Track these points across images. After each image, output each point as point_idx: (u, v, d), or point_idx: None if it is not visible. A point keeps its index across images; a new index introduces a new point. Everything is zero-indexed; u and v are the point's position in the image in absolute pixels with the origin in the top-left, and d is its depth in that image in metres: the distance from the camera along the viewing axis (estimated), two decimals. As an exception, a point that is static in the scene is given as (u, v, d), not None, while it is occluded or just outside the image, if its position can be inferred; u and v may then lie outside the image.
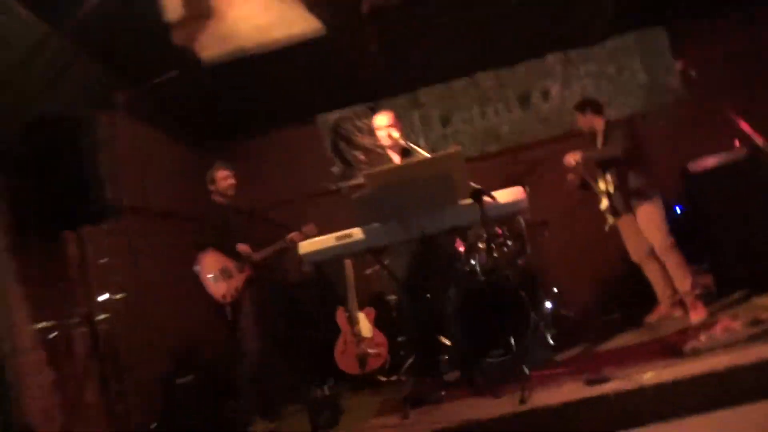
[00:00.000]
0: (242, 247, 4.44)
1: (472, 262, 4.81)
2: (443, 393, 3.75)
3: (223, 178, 4.56)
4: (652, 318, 4.72)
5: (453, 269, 4.29)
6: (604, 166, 4.74)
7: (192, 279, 4.37)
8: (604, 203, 4.78)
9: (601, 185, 4.77)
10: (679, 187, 5.38)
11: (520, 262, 5.11)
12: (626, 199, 4.64)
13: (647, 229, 4.56)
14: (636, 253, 4.77)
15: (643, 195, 4.55)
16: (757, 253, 4.70)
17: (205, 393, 4.51)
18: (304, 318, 5.61)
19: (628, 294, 5.54)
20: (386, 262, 4.23)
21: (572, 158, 4.57)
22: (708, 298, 4.65)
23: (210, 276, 4.28)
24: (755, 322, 3.32)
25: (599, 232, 4.97)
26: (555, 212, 5.72)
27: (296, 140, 6.73)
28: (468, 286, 4.60)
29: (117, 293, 4.41)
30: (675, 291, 4.61)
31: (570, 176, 4.74)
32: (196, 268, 4.30)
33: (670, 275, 4.53)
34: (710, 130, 5.80)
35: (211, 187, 4.56)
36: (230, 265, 4.40)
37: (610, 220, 4.83)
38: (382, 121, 4.28)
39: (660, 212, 4.53)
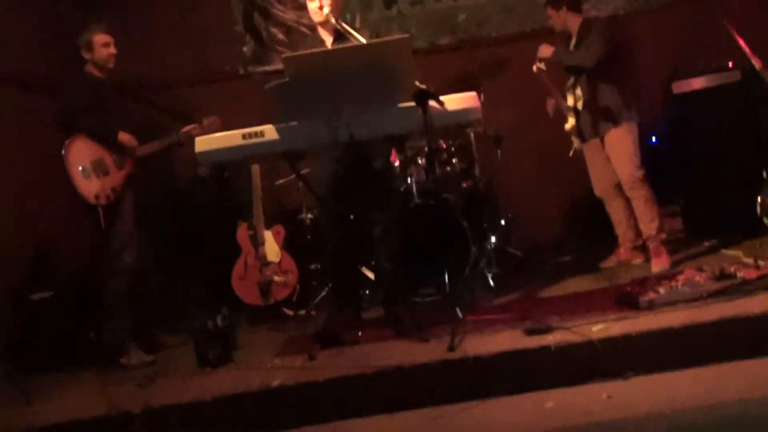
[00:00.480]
0: (124, 137, 4.29)
1: (408, 180, 4.90)
2: (360, 333, 3.87)
3: (103, 44, 4.33)
4: (608, 263, 4.98)
5: (384, 186, 4.32)
6: (574, 76, 4.82)
7: (56, 170, 4.22)
8: (571, 122, 4.90)
9: (569, 100, 4.87)
10: (659, 110, 5.57)
11: (465, 184, 5.24)
12: (594, 120, 4.76)
13: (615, 157, 4.72)
14: (599, 185, 4.96)
15: (615, 117, 4.67)
16: (735, 197, 4.94)
17: (67, 313, 4.50)
18: (196, 232, 5.59)
19: (585, 233, 5.81)
20: (303, 171, 4.22)
21: (546, 51, 4.66)
22: (675, 245, 4.91)
23: (80, 169, 4.14)
24: (722, 275, 3.56)
25: (561, 157, 5.11)
26: (511, 127, 5.82)
27: (199, 4, 6.46)
28: (400, 209, 4.71)
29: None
30: (638, 234, 4.86)
31: (537, 67, 4.79)
32: (64, 155, 4.13)
33: (636, 215, 4.75)
34: (702, 44, 5.98)
35: (86, 56, 4.34)
36: (107, 158, 4.26)
37: (576, 143, 4.97)
38: None
39: (633, 139, 4.68)
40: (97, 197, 4.15)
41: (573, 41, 4.85)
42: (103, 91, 4.37)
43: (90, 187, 4.15)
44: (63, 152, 4.13)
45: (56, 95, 4.52)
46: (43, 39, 5.67)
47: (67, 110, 4.24)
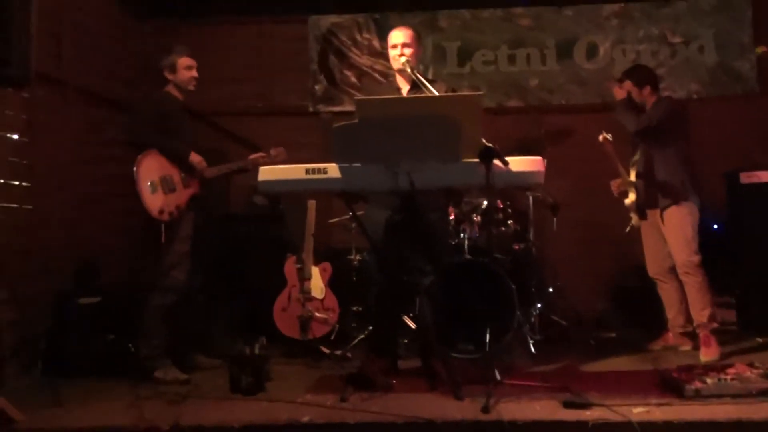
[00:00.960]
0: (195, 158, 4.41)
1: (461, 235, 4.89)
2: (394, 381, 3.84)
3: (186, 67, 4.49)
4: (655, 345, 4.86)
5: (437, 239, 4.32)
6: (639, 149, 4.78)
7: (119, 181, 4.35)
8: (632, 197, 4.85)
9: (632, 175, 4.84)
10: (723, 197, 5.49)
11: (517, 247, 5.21)
12: (652, 192, 4.70)
13: (672, 237, 4.64)
14: (653, 266, 4.87)
15: (675, 194, 4.61)
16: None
17: (111, 322, 4.57)
18: (246, 260, 5.64)
19: (634, 311, 5.69)
20: (359, 213, 4.25)
21: (619, 93, 4.75)
22: (726, 336, 4.78)
23: (149, 184, 4.24)
24: (774, 374, 3.46)
25: (618, 232, 5.05)
26: (571, 196, 5.80)
27: (276, 40, 6.66)
28: (450, 263, 4.70)
29: (14, 179, 4.41)
30: (688, 320, 4.75)
31: (603, 137, 4.77)
32: (135, 169, 4.24)
33: (688, 300, 4.64)
34: (771, 139, 5.93)
35: (169, 76, 4.49)
36: (176, 175, 4.37)
37: (634, 220, 4.91)
38: (398, 38, 4.23)
39: (692, 222, 4.60)
40: (161, 212, 4.24)
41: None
42: (180, 111, 4.52)
43: (156, 202, 4.24)
44: (135, 166, 4.23)
45: (125, 113, 4.68)
46: (119, 59, 5.93)
47: (141, 127, 4.37)
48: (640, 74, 4.89)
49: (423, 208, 4.00)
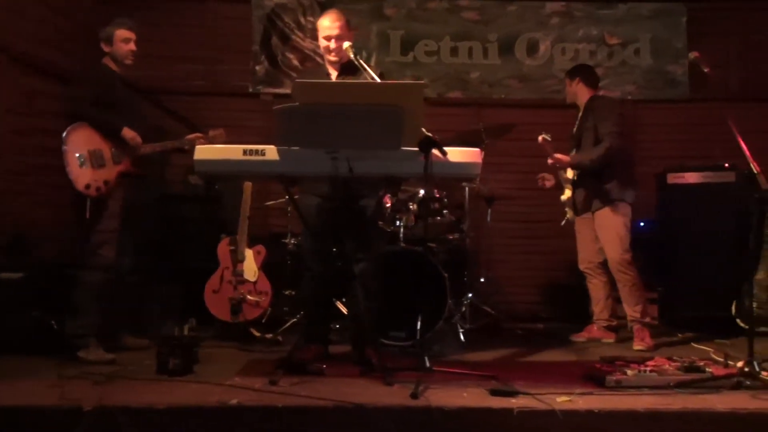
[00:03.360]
0: (128, 133, 4.28)
1: (398, 223, 4.92)
2: (324, 366, 3.84)
3: (124, 40, 4.37)
4: (579, 337, 5.00)
5: (372, 225, 4.34)
6: (576, 149, 4.91)
7: (51, 154, 4.22)
8: (567, 194, 4.96)
9: (569, 172, 4.94)
10: (653, 197, 5.66)
11: (451, 236, 5.26)
12: (587, 196, 4.82)
13: (604, 236, 4.76)
14: (584, 261, 5.00)
15: (607, 196, 4.73)
16: (713, 294, 5.04)
17: (34, 298, 4.43)
18: (178, 240, 5.56)
19: (562, 305, 5.84)
20: (296, 197, 4.23)
21: (563, 161, 4.79)
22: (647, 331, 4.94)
23: (77, 156, 4.12)
24: (690, 368, 3.58)
25: (552, 226, 5.17)
26: (506, 189, 5.89)
27: (221, 19, 6.57)
28: (384, 251, 4.72)
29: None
30: (612, 315, 4.90)
31: (542, 138, 4.84)
32: (63, 141, 4.11)
33: (621, 296, 4.77)
34: (703, 140, 6.14)
35: (105, 48, 4.37)
36: (107, 150, 4.24)
37: (569, 214, 5.02)
38: (325, 23, 4.19)
39: (624, 221, 4.73)
40: (87, 187, 4.12)
41: (580, 113, 4.94)
42: (116, 85, 4.39)
43: (83, 176, 4.12)
44: (63, 136, 4.11)
45: (66, 83, 4.53)
46: (62, 28, 5.74)
47: (77, 98, 4.24)
48: (578, 71, 5.02)
49: (354, 196, 4.01)
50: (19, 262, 4.74)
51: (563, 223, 5.08)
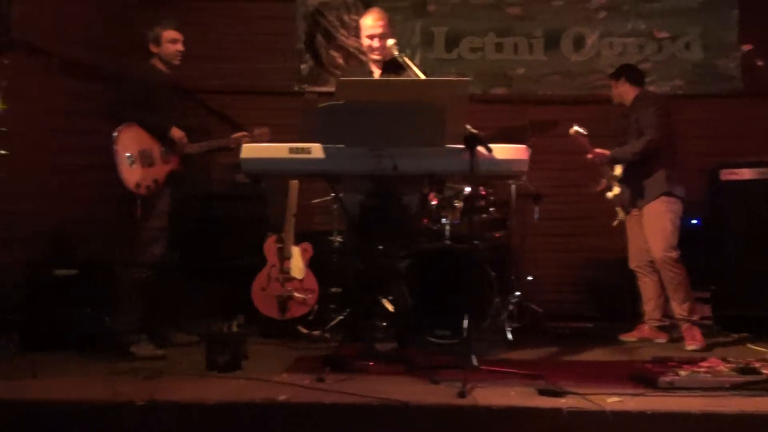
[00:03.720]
0: (177, 133, 4.35)
1: (443, 221, 4.89)
2: (371, 363, 3.85)
3: (171, 40, 4.44)
4: (629, 337, 4.91)
5: (417, 223, 4.33)
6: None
7: (99, 153, 4.30)
8: (616, 190, 4.87)
9: (617, 169, 4.86)
10: (701, 194, 5.54)
11: (497, 234, 5.22)
12: (634, 193, 4.73)
13: (650, 233, 4.67)
14: (635, 259, 4.91)
15: (654, 191, 4.64)
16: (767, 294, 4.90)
17: (87, 295, 4.52)
18: (226, 237, 5.61)
19: (611, 303, 5.74)
20: (341, 194, 4.24)
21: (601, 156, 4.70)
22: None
23: (127, 156, 4.19)
24: (746, 370, 3.49)
25: (595, 223, 5.09)
26: (554, 186, 5.82)
27: (264, 18, 6.60)
28: (429, 248, 4.70)
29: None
30: (665, 315, 4.81)
31: (574, 131, 4.73)
32: (114, 141, 4.19)
33: (668, 294, 4.68)
34: (756, 136, 5.98)
35: (154, 49, 4.44)
36: (155, 149, 4.32)
37: (621, 214, 4.91)
38: (368, 22, 4.19)
39: (672, 217, 4.63)
40: (137, 186, 4.20)
41: (628, 113, 4.87)
42: (164, 85, 4.46)
43: (133, 175, 4.19)
44: (114, 135, 4.18)
45: (109, 85, 4.62)
46: (104, 29, 5.85)
47: (123, 99, 4.32)
48: (622, 71, 4.95)
49: (398, 192, 4.00)
50: (71, 259, 4.85)
51: (615, 223, 4.98)
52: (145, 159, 4.25)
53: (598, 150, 4.67)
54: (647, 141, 4.61)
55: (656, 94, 5.39)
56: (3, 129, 4.48)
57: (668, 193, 4.64)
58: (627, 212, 4.87)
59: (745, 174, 5.26)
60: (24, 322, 4.40)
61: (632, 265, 4.94)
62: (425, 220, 4.97)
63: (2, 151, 4.46)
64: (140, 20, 5.07)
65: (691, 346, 4.47)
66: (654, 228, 4.65)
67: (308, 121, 3.58)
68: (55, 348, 4.27)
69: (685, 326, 4.59)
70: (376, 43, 4.12)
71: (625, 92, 4.88)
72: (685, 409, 3.07)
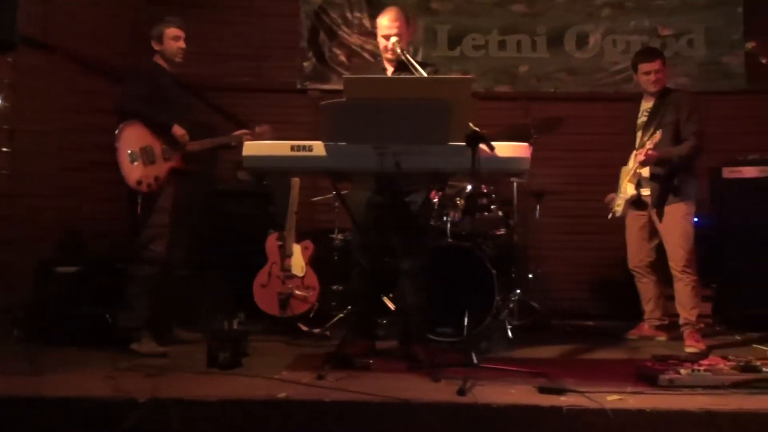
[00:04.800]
0: (178, 130, 4.36)
1: (445, 218, 4.91)
2: (371, 361, 3.86)
3: (174, 38, 4.45)
4: (631, 335, 4.91)
5: (420, 221, 4.33)
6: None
7: (106, 150, 4.32)
8: (630, 189, 4.66)
9: (645, 170, 4.62)
10: (704, 192, 5.53)
11: (499, 232, 5.23)
12: (663, 192, 4.59)
13: (673, 234, 4.55)
14: (635, 259, 4.86)
15: (683, 194, 4.55)
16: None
17: (89, 291, 4.54)
18: (227, 235, 5.63)
19: (612, 301, 5.74)
20: (343, 192, 4.25)
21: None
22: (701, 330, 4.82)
23: (128, 152, 4.21)
24: (747, 368, 3.50)
25: (599, 222, 5.06)
26: (556, 185, 5.82)
27: (268, 16, 6.61)
28: (432, 246, 4.71)
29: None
30: (665, 314, 4.81)
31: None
32: (116, 139, 4.21)
33: (679, 298, 4.58)
34: (761, 133, 5.98)
35: (156, 47, 4.46)
36: (157, 147, 4.33)
37: (618, 208, 4.76)
38: (384, 22, 4.19)
39: (691, 219, 4.57)
40: (139, 183, 4.22)
41: (650, 103, 4.73)
42: (167, 82, 4.47)
43: (134, 172, 4.22)
44: (116, 133, 4.21)
45: (117, 82, 4.64)
46: (113, 27, 5.87)
47: (128, 95, 4.33)
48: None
49: (404, 190, 4.01)
50: (74, 256, 4.87)
51: (610, 216, 4.88)
52: (146, 156, 4.27)
53: (651, 151, 4.51)
54: (693, 147, 4.51)
55: (694, 94, 5.12)
56: (5, 126, 4.52)
57: (690, 197, 4.58)
58: (639, 208, 4.71)
59: (748, 172, 5.28)
60: (28, 318, 4.43)
61: (631, 265, 4.90)
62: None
63: (4, 149, 4.50)
64: (146, 18, 5.09)
65: (691, 349, 4.44)
66: (676, 230, 4.54)
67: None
68: (57, 344, 4.29)
69: (688, 331, 4.53)
70: (390, 43, 4.13)
71: (664, 77, 4.70)
72: (685, 407, 3.08)
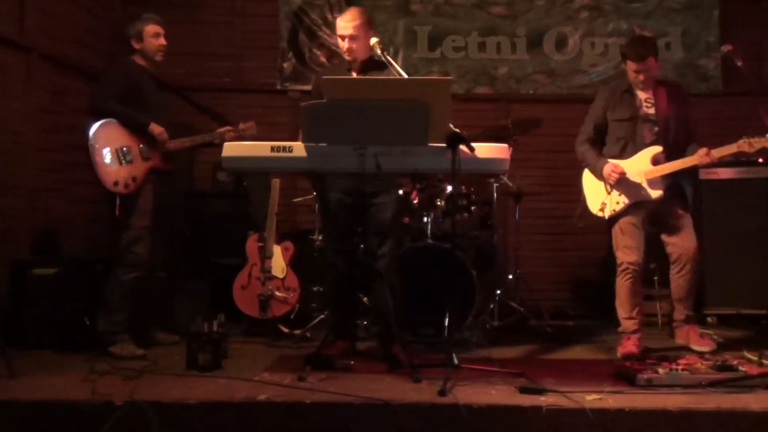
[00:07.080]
0: (156, 129, 4.29)
1: (424, 219, 4.91)
2: (352, 362, 3.85)
3: (154, 35, 4.38)
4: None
5: (399, 221, 4.33)
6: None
7: (78, 150, 4.28)
8: (614, 195, 4.45)
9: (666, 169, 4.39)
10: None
11: (479, 233, 5.24)
12: (674, 190, 4.49)
13: (687, 227, 4.46)
14: (638, 262, 4.49)
15: (687, 190, 4.58)
16: (743, 292, 5.00)
17: (67, 294, 4.48)
18: (206, 235, 5.60)
19: (592, 302, 5.77)
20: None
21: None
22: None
23: (104, 152, 4.13)
24: (723, 366, 3.53)
25: (587, 222, 5.01)
26: (535, 186, 5.84)
27: (248, 16, 6.59)
28: (411, 246, 4.71)
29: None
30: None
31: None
32: (91, 138, 4.13)
33: (687, 288, 4.47)
34: (736, 135, 6.00)
35: (136, 45, 4.38)
36: (135, 146, 4.26)
37: (608, 211, 4.48)
38: (340, 23, 4.13)
39: None
40: (116, 184, 4.13)
41: (643, 95, 4.48)
42: (146, 81, 4.41)
43: (111, 173, 4.13)
44: (91, 133, 4.13)
45: (94, 81, 4.59)
46: (90, 26, 5.83)
47: (104, 95, 4.26)
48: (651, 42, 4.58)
49: (374, 191, 4.00)
50: (52, 258, 4.81)
51: (609, 216, 4.51)
52: (123, 156, 4.19)
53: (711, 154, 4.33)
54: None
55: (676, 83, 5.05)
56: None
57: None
58: (639, 204, 4.45)
59: (724, 173, 5.33)
60: (3, 321, 4.37)
61: (635, 266, 4.46)
62: (406, 219, 4.99)
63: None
64: (126, 17, 5.05)
65: (704, 348, 4.37)
66: (689, 222, 4.46)
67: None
68: (34, 347, 4.25)
69: (690, 330, 4.50)
70: (346, 44, 4.11)
71: (655, 72, 4.46)
72: (663, 407, 3.10)
